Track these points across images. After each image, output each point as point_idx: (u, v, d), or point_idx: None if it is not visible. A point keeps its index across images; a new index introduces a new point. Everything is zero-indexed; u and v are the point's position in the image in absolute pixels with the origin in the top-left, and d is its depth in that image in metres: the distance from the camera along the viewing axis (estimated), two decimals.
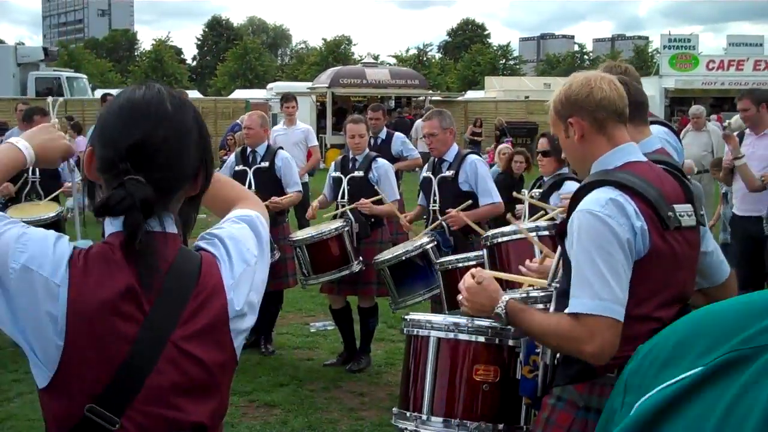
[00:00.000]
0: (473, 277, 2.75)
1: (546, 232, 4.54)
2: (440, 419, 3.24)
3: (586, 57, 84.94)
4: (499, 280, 3.47)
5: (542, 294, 2.97)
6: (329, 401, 6.07)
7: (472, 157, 6.17)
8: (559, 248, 2.58)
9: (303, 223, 9.40)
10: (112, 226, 1.70)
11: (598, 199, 2.45)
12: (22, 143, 1.97)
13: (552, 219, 4.50)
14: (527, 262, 3.20)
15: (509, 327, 3.12)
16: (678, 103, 32.62)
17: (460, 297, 2.81)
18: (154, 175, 1.66)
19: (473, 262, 5.21)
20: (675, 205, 2.54)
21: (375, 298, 6.86)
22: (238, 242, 1.81)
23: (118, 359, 1.61)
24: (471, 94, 41.04)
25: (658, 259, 2.47)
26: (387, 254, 6.15)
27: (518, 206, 5.75)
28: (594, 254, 2.40)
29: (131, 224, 1.63)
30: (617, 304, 2.38)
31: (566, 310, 2.47)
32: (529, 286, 3.13)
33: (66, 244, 1.66)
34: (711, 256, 2.81)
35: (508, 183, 9.69)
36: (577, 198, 2.53)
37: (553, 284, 2.70)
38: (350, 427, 5.56)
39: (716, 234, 9.39)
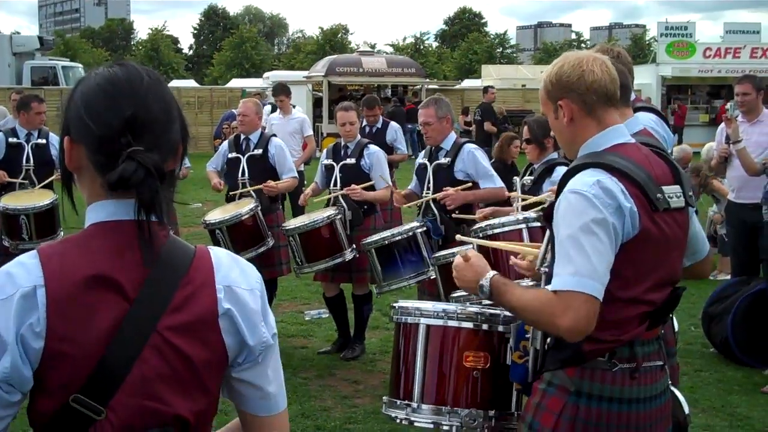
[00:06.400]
0: (462, 256, 2.76)
1: (537, 224, 4.50)
2: (431, 407, 3.22)
3: (583, 45, 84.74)
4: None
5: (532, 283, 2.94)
6: (323, 389, 6.07)
7: (470, 146, 6.06)
8: (548, 232, 2.55)
9: (298, 211, 9.38)
10: (94, 215, 1.65)
11: (585, 180, 2.42)
12: None
13: (543, 207, 4.47)
14: (513, 258, 3.18)
15: (498, 313, 3.11)
16: (675, 90, 32.56)
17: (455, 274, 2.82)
18: (149, 148, 1.61)
19: None
20: (664, 187, 2.51)
21: (369, 285, 6.83)
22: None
23: (102, 347, 1.55)
24: (468, 83, 40.91)
25: (647, 240, 2.44)
26: (375, 236, 6.10)
27: (511, 194, 5.70)
28: (578, 232, 2.37)
29: (149, 193, 1.58)
30: (597, 282, 2.35)
31: (548, 287, 2.46)
32: (522, 257, 3.11)
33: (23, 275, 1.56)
34: (697, 235, 2.80)
35: (502, 170, 9.67)
36: (564, 181, 2.50)
37: (542, 269, 2.68)
38: (344, 415, 5.55)
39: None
